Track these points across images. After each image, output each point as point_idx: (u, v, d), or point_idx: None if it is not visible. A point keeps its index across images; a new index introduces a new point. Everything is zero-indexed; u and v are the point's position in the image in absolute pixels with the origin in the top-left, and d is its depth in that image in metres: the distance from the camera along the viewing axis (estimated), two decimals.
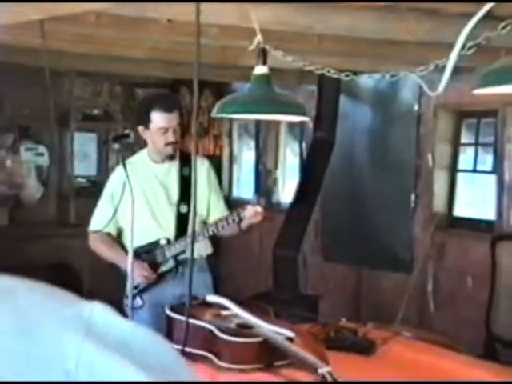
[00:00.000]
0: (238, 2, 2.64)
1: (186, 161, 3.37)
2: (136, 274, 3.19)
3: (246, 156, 7.25)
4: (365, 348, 2.57)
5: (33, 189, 6.68)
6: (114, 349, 0.58)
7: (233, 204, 4.58)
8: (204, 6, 1.97)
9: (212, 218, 3.36)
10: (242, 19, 2.70)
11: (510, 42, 2.14)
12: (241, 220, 3.15)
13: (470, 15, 2.11)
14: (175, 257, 3.35)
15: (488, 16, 1.97)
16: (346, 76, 3.03)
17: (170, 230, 3.37)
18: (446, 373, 2.35)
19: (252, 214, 3.09)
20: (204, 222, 3.38)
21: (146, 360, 0.58)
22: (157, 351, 0.61)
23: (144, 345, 0.60)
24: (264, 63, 2.69)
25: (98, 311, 0.61)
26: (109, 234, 3.39)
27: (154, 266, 3.37)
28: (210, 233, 3.25)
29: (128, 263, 3.06)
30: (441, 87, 2.20)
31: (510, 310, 4.37)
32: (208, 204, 3.40)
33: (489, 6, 1.88)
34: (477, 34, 2.19)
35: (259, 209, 3.08)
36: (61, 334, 0.58)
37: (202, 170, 3.37)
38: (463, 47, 2.16)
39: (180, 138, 3.36)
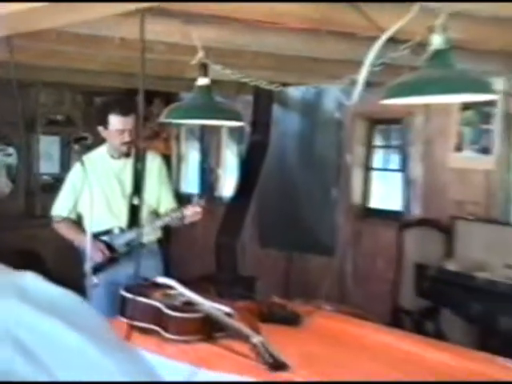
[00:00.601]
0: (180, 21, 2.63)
1: (139, 157, 3.36)
2: (94, 251, 3.18)
3: (192, 156, 7.23)
4: (292, 320, 2.60)
5: (3, 185, 6.53)
6: (46, 309, 0.59)
7: (181, 197, 4.57)
8: (151, 26, 1.97)
9: (162, 209, 3.38)
10: (186, 38, 2.69)
11: (411, 61, 2.22)
12: (183, 217, 3.21)
13: (378, 38, 2.17)
14: (128, 244, 3.34)
15: (392, 40, 2.03)
16: (277, 87, 3.05)
17: (123, 219, 3.35)
18: (360, 338, 2.41)
19: (192, 213, 3.19)
20: (154, 212, 3.38)
21: (72, 318, 0.60)
22: (81, 311, 0.63)
23: (70, 306, 0.62)
24: (205, 76, 2.69)
25: (30, 279, 0.61)
26: (71, 220, 3.39)
27: (108, 250, 3.35)
28: (157, 226, 3.31)
29: (87, 244, 3.06)
30: (354, 98, 2.25)
31: (412, 285, 4.50)
32: (158, 196, 3.39)
33: (391, 31, 1.94)
34: (384, 54, 2.25)
35: (198, 209, 3.20)
36: None
37: (154, 165, 3.37)
38: (373, 65, 2.22)
39: (135, 137, 3.34)
